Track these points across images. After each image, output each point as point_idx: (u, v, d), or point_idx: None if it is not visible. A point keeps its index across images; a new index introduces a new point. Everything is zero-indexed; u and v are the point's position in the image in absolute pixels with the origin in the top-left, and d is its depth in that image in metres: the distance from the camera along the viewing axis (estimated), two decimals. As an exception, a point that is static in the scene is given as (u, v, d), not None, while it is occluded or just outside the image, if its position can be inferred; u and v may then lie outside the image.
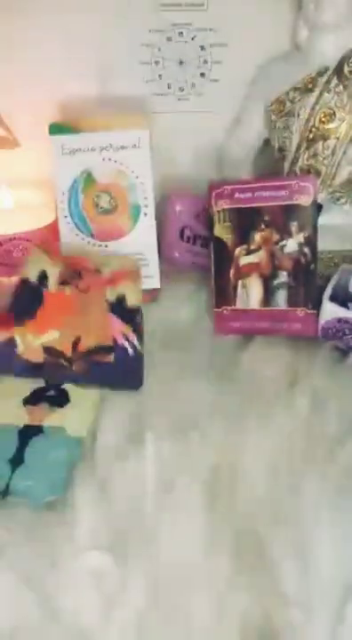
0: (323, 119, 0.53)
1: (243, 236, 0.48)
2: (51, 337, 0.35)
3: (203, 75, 0.61)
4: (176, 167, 0.64)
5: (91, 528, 0.30)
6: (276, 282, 0.48)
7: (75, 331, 0.35)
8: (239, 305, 0.49)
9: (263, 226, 0.47)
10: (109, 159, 0.50)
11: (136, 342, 0.37)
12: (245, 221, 0.48)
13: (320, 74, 0.53)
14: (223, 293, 0.49)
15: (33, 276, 0.41)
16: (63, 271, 0.41)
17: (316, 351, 0.44)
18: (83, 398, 0.39)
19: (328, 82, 0.53)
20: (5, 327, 0.34)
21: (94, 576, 0.27)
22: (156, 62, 0.61)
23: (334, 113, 0.53)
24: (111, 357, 0.35)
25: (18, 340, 0.34)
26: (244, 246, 0.48)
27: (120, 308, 0.38)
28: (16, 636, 0.25)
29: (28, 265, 0.42)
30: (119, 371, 0.34)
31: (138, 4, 0.58)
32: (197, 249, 0.61)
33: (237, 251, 0.48)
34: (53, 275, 0.41)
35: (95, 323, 0.37)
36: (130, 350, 0.36)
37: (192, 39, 0.60)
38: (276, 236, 0.47)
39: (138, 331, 0.37)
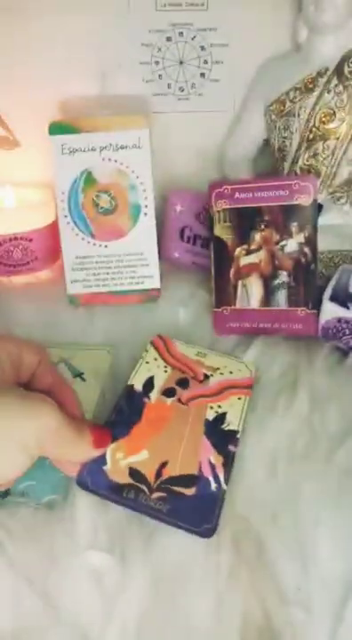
0: (323, 119, 0.53)
1: (243, 236, 0.48)
2: (140, 458, 0.32)
3: (203, 75, 0.62)
4: (176, 167, 0.64)
5: (91, 527, 0.30)
6: (276, 282, 0.48)
7: (164, 452, 0.33)
8: (239, 305, 0.49)
9: (263, 226, 0.47)
10: (109, 159, 0.50)
11: (222, 477, 0.32)
12: (245, 221, 0.48)
13: (320, 74, 0.53)
14: (223, 293, 0.49)
15: (140, 383, 0.39)
16: (171, 377, 0.39)
17: (316, 351, 0.44)
18: (83, 398, 0.39)
19: (328, 82, 0.53)
20: (100, 443, 0.30)
21: (94, 575, 0.27)
22: (156, 62, 0.61)
23: (334, 113, 0.53)
24: (192, 490, 0.31)
25: (108, 457, 0.32)
26: (245, 246, 0.48)
27: (216, 431, 0.35)
28: (18, 635, 0.25)
29: (140, 368, 0.40)
30: (193, 508, 0.30)
31: (137, 5, 0.58)
32: (197, 249, 0.61)
33: (237, 251, 0.48)
34: (160, 382, 0.39)
35: (186, 444, 0.34)
36: (212, 485, 0.31)
37: (192, 39, 0.60)
38: (276, 236, 0.47)
39: (229, 464, 0.33)
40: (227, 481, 0.32)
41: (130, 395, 0.37)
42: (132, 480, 0.31)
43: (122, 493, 0.30)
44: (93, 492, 0.30)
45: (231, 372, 0.41)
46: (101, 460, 0.31)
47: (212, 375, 0.40)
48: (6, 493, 0.32)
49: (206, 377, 0.40)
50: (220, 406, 0.37)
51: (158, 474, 0.31)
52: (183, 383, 0.39)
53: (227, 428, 0.36)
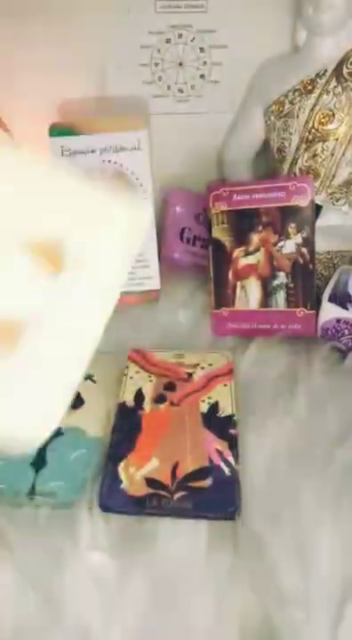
0: (322, 120, 0.53)
1: (241, 238, 0.48)
2: (152, 466, 0.33)
3: (202, 76, 0.62)
4: (175, 168, 0.64)
5: (92, 528, 0.30)
6: (274, 283, 0.48)
7: (172, 454, 0.34)
8: (238, 306, 0.49)
9: (261, 227, 0.47)
10: (109, 161, 0.51)
11: (232, 460, 0.34)
12: (243, 223, 0.48)
13: (319, 75, 0.53)
14: (222, 295, 0.49)
15: (130, 398, 0.40)
16: (157, 384, 0.41)
17: (315, 352, 0.44)
18: (96, 399, 0.40)
19: (327, 83, 0.53)
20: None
21: (95, 576, 0.28)
22: (156, 64, 0.61)
23: (333, 114, 0.53)
24: (209, 481, 0.33)
25: (122, 475, 0.33)
26: (243, 248, 0.48)
27: (213, 420, 0.37)
28: (19, 635, 0.26)
29: (126, 385, 0.41)
30: (215, 497, 0.31)
31: (137, 6, 0.58)
32: (197, 250, 0.61)
33: (236, 252, 0.49)
34: (148, 391, 0.41)
35: (191, 441, 0.36)
36: (226, 470, 0.33)
37: (191, 41, 0.60)
38: (274, 237, 0.47)
39: (234, 446, 0.35)
40: (237, 461, 0.34)
41: (124, 411, 0.39)
42: (152, 489, 0.32)
43: (145, 504, 0.31)
44: (119, 512, 0.31)
45: (210, 364, 0.44)
46: (117, 480, 0.33)
47: (194, 372, 0.43)
48: (33, 493, 0.32)
49: (189, 375, 0.42)
50: (210, 397, 0.40)
51: (173, 475, 0.33)
52: (170, 386, 0.41)
53: (222, 415, 0.38)
